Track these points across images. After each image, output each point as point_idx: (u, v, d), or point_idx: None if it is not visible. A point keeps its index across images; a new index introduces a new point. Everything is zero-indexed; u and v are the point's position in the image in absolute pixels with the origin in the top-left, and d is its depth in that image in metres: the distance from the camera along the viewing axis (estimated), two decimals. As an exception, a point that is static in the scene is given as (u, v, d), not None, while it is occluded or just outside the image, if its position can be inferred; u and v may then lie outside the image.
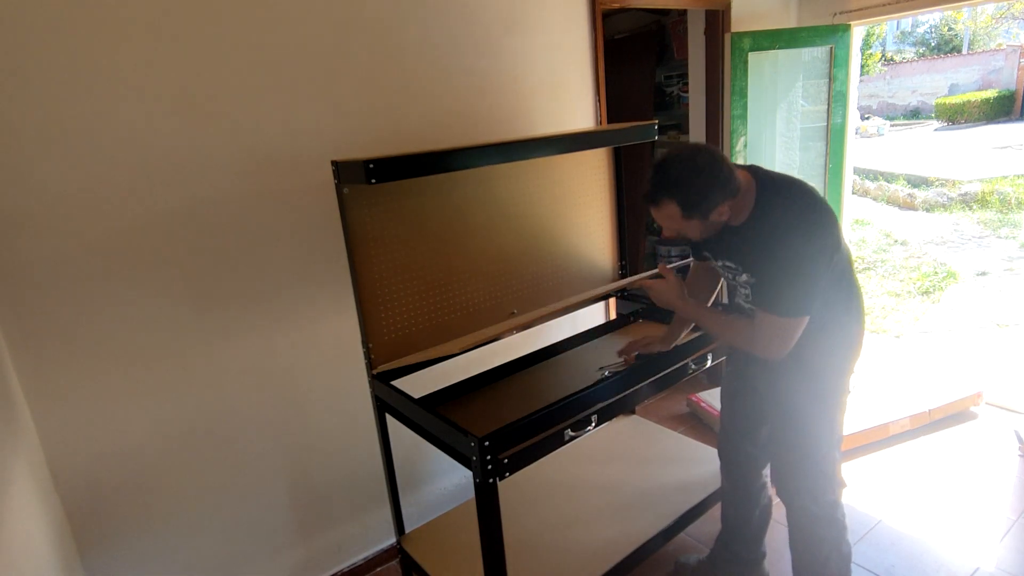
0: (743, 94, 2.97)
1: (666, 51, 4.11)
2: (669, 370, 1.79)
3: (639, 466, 2.32)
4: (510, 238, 2.17)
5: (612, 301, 2.83)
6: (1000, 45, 18.69)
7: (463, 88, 2.20)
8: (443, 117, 2.18)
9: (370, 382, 1.87)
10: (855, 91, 3.30)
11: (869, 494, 2.42)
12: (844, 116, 3.22)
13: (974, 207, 7.95)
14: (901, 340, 4.29)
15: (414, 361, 1.71)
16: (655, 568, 2.15)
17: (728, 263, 1.60)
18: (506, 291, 2.19)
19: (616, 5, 2.57)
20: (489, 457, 1.39)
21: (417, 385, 1.92)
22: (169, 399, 1.80)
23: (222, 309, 1.85)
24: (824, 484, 1.63)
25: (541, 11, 2.34)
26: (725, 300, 1.93)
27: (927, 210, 8.22)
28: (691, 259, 1.92)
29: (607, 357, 2.02)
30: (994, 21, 19.63)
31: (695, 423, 3.06)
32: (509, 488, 2.21)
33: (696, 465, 2.29)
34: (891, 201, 8.89)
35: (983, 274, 5.65)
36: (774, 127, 3.14)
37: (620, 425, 2.61)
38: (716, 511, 2.25)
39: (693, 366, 1.86)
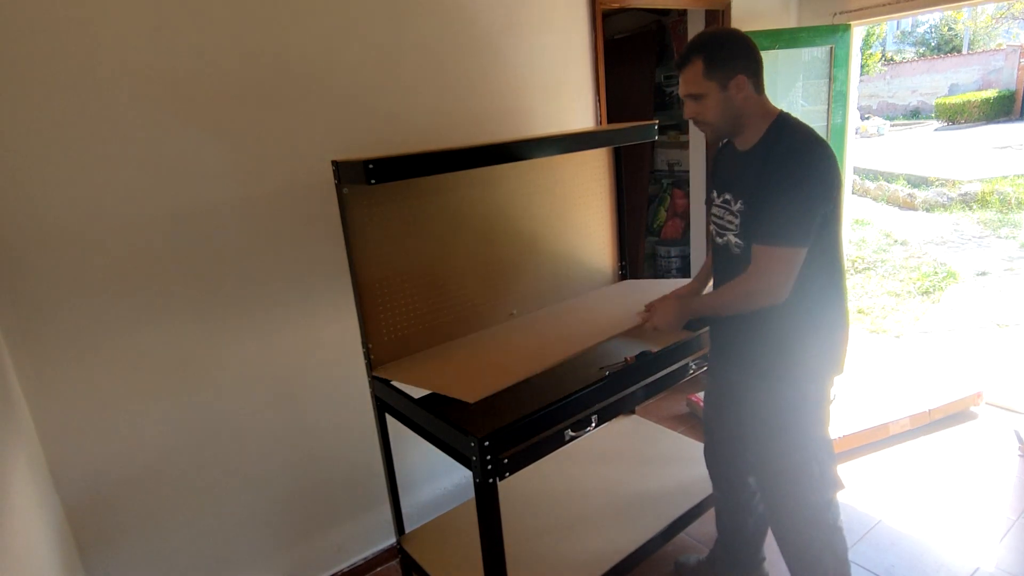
0: (743, 94, 2.96)
1: (666, 51, 4.11)
2: (669, 370, 1.79)
3: (639, 466, 2.32)
4: (510, 238, 2.17)
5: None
6: (1000, 45, 18.70)
7: (463, 88, 2.20)
8: (443, 117, 2.18)
9: (370, 382, 1.87)
10: (855, 91, 3.30)
11: (869, 494, 2.42)
12: (844, 116, 3.22)
13: (974, 207, 7.95)
14: (901, 340, 4.29)
15: (496, 389, 1.55)
16: (655, 568, 2.15)
17: (727, 195, 1.57)
18: (506, 291, 2.19)
19: (616, 5, 2.57)
20: (489, 457, 1.39)
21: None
22: (169, 399, 1.80)
23: (222, 309, 1.85)
24: (808, 487, 1.60)
25: (541, 11, 2.34)
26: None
27: (927, 210, 8.22)
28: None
29: (607, 357, 2.02)
30: (994, 21, 19.64)
31: (695, 423, 3.06)
32: (509, 488, 2.21)
33: (696, 465, 2.29)
34: (891, 201, 8.89)
35: (983, 274, 5.65)
36: (774, 127, 3.14)
37: (620, 425, 2.61)
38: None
39: (693, 366, 1.86)
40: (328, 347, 2.07)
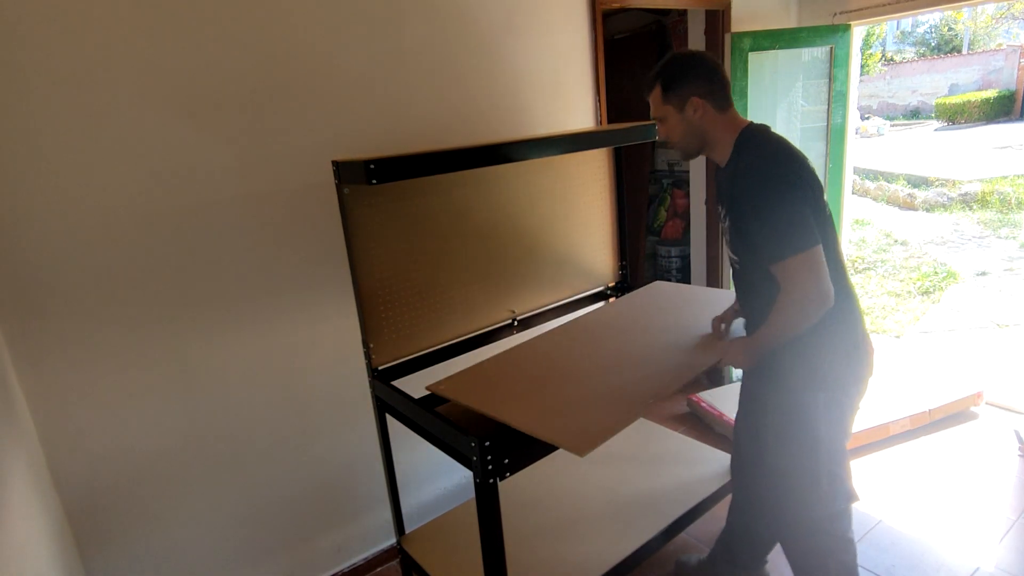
0: (743, 94, 2.97)
1: (666, 51, 4.11)
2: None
3: (639, 466, 2.32)
4: (510, 238, 2.17)
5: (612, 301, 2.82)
6: (1000, 45, 18.70)
7: (463, 88, 2.20)
8: (443, 117, 2.18)
9: (370, 382, 1.87)
10: (855, 91, 3.30)
11: (869, 494, 2.42)
12: (844, 116, 3.22)
13: (974, 207, 7.95)
14: (901, 340, 4.29)
15: (605, 439, 1.42)
16: (655, 568, 2.15)
17: (721, 211, 1.60)
18: (506, 291, 2.19)
19: (616, 5, 2.57)
20: (489, 457, 1.39)
21: (417, 385, 1.92)
22: (169, 400, 1.80)
23: (222, 310, 1.85)
24: (815, 499, 1.59)
25: (541, 11, 2.34)
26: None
27: (927, 210, 8.22)
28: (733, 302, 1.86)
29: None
30: (994, 21, 19.64)
31: (695, 423, 3.06)
32: (509, 488, 2.21)
33: (696, 465, 2.29)
34: (891, 201, 8.89)
35: (983, 274, 5.65)
36: (774, 127, 3.13)
37: (620, 425, 2.60)
38: (716, 511, 2.25)
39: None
40: (328, 346, 2.07)
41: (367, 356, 1.84)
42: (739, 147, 1.51)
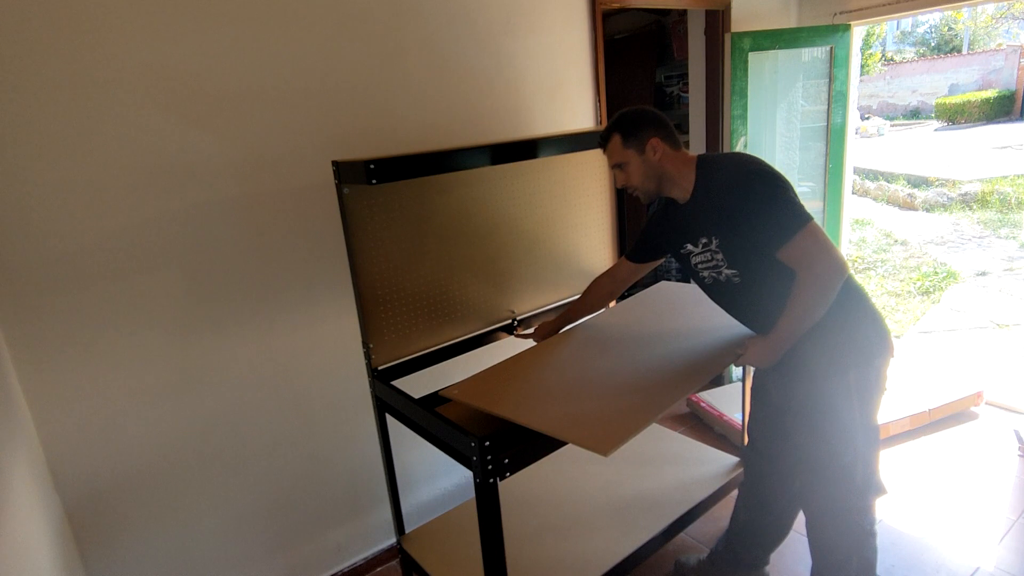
0: (743, 94, 2.97)
1: (666, 51, 4.11)
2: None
3: (639, 466, 2.32)
4: (510, 238, 2.17)
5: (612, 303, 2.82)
6: (1000, 45, 18.69)
7: (463, 88, 2.20)
8: (443, 117, 2.18)
9: (370, 382, 1.87)
10: (855, 91, 3.31)
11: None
12: (844, 116, 3.22)
13: (974, 207, 7.95)
14: (901, 340, 4.29)
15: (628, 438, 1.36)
16: (655, 568, 2.15)
17: (702, 240, 1.61)
18: (506, 291, 2.19)
19: (616, 5, 2.57)
20: (489, 457, 1.39)
21: (417, 385, 1.92)
22: (169, 399, 1.80)
23: (222, 310, 1.85)
24: (848, 490, 1.61)
25: (541, 11, 2.34)
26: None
27: (927, 210, 8.22)
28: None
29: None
30: (994, 21, 19.64)
31: (695, 423, 3.06)
32: (509, 488, 2.21)
33: (696, 465, 2.29)
34: (891, 201, 8.89)
35: (983, 274, 5.65)
36: (774, 127, 3.14)
37: (620, 425, 2.60)
38: (716, 511, 2.26)
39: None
40: (328, 346, 2.07)
41: (367, 356, 1.84)
42: (703, 173, 1.58)
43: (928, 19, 21.20)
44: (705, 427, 3.00)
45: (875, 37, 20.12)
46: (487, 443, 1.38)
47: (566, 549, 1.93)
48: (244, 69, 1.77)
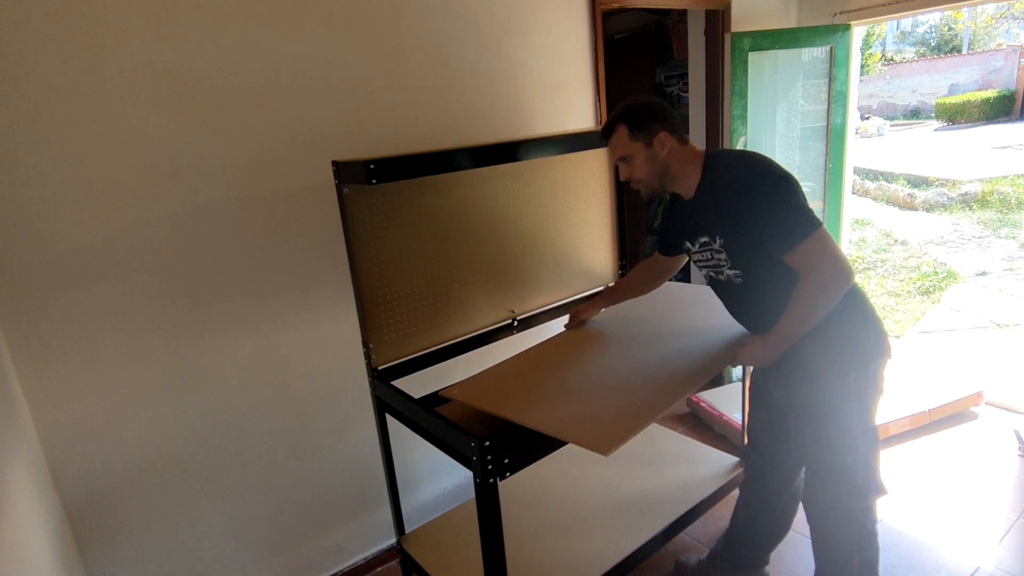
0: (743, 94, 2.97)
1: (666, 51, 4.11)
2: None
3: (639, 466, 2.32)
4: (510, 238, 2.17)
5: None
6: (1000, 45, 18.70)
7: (463, 88, 2.20)
8: (443, 117, 2.18)
9: (370, 382, 1.87)
10: (855, 91, 3.31)
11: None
12: (844, 116, 3.22)
13: (974, 207, 7.95)
14: (901, 340, 4.29)
15: (629, 437, 1.37)
16: (655, 568, 2.15)
17: (703, 239, 1.61)
18: (506, 291, 2.19)
19: (616, 5, 2.57)
20: (489, 457, 1.39)
21: (417, 385, 1.92)
22: (169, 399, 1.80)
23: (222, 309, 1.85)
24: (849, 490, 1.60)
25: (541, 11, 2.34)
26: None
27: (927, 210, 8.22)
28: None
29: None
30: (994, 21, 19.64)
31: (695, 423, 3.06)
32: (509, 488, 2.21)
33: (696, 465, 2.29)
34: (891, 201, 8.89)
35: (983, 274, 5.65)
36: (774, 127, 3.14)
37: (620, 425, 2.60)
38: (716, 511, 2.26)
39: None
40: (328, 347, 2.07)
41: (367, 356, 1.84)
42: (710, 170, 1.56)
43: (928, 19, 21.21)
44: (705, 427, 3.00)
45: (875, 37, 20.12)
46: (487, 443, 1.38)
47: (566, 549, 1.93)
48: (245, 69, 1.77)
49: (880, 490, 1.63)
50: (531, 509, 2.13)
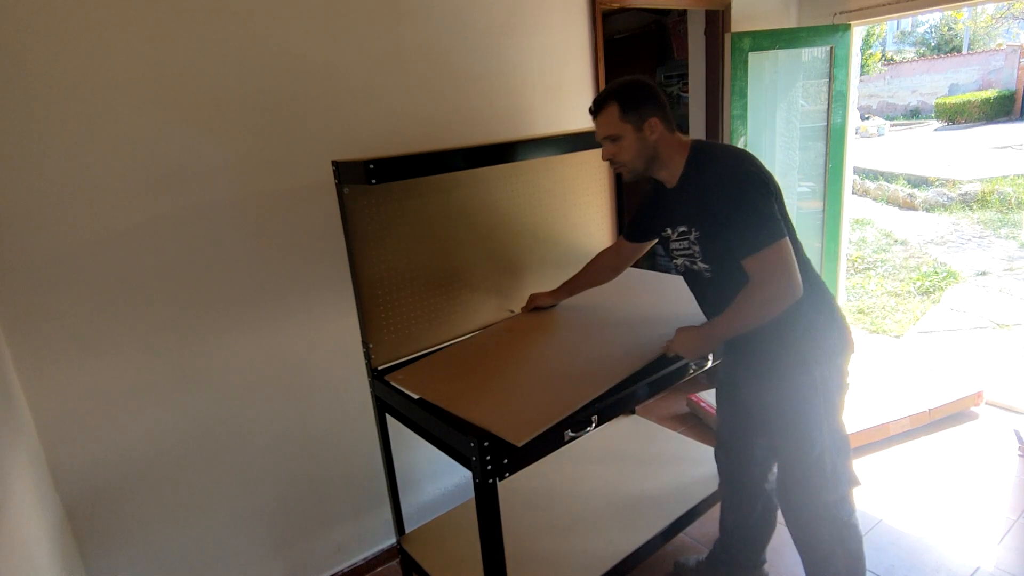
0: (743, 94, 2.97)
1: (666, 51, 4.11)
2: (669, 370, 1.79)
3: (639, 466, 2.32)
4: (510, 238, 2.17)
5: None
6: (1000, 45, 18.69)
7: (463, 88, 2.20)
8: (443, 117, 2.18)
9: (370, 382, 1.87)
10: (855, 91, 3.31)
11: (869, 494, 2.42)
12: (844, 116, 3.22)
13: (974, 207, 7.95)
14: (901, 340, 4.29)
15: (542, 429, 1.44)
16: (654, 569, 2.15)
17: (681, 228, 1.61)
18: (506, 291, 2.19)
19: (616, 5, 2.57)
20: (489, 457, 1.39)
21: (417, 385, 1.92)
22: (169, 399, 1.80)
23: (222, 309, 1.85)
24: (820, 483, 1.61)
25: (541, 11, 2.34)
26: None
27: (927, 210, 8.22)
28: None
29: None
30: (994, 21, 19.63)
31: (695, 423, 3.06)
32: (509, 488, 2.21)
33: (696, 465, 2.29)
34: (891, 201, 8.89)
35: (983, 274, 5.65)
36: (774, 127, 3.14)
37: (620, 425, 2.61)
38: (716, 512, 2.25)
39: (693, 367, 1.86)
40: (328, 346, 2.07)
41: (367, 356, 1.84)
42: (694, 161, 1.55)
43: (928, 19, 21.20)
44: (705, 427, 3.00)
45: (875, 37, 20.13)
46: (486, 443, 1.38)
47: (566, 549, 1.93)
48: (245, 69, 1.77)
49: (853, 481, 1.64)
50: (531, 509, 2.13)
